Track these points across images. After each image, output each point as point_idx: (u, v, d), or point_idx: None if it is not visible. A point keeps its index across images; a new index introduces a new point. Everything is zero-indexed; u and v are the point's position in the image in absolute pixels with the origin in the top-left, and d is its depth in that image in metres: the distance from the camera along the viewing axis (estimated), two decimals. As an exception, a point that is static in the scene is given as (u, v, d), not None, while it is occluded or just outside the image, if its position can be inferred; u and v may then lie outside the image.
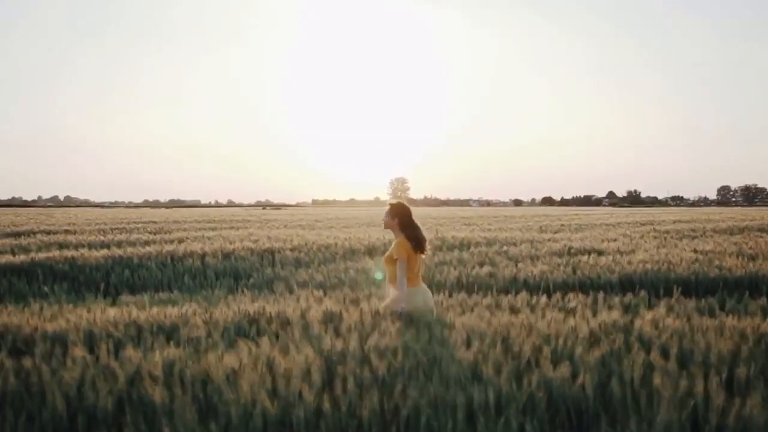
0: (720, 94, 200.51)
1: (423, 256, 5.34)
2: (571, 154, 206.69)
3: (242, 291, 8.70)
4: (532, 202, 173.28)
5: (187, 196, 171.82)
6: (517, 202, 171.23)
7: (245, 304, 6.43)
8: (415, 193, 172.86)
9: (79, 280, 10.08)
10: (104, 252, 11.75)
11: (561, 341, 4.45)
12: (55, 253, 11.57)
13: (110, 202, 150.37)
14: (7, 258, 11.28)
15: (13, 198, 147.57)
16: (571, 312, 5.67)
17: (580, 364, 3.93)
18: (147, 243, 14.31)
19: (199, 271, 10.43)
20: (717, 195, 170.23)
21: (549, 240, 14.23)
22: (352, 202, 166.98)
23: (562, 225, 22.59)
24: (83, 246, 13.68)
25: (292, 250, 12.24)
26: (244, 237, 15.37)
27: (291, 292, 8.43)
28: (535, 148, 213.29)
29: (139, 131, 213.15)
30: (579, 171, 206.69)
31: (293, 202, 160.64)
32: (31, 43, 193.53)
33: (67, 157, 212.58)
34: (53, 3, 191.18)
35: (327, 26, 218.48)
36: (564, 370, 3.80)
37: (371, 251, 12.34)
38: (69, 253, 11.55)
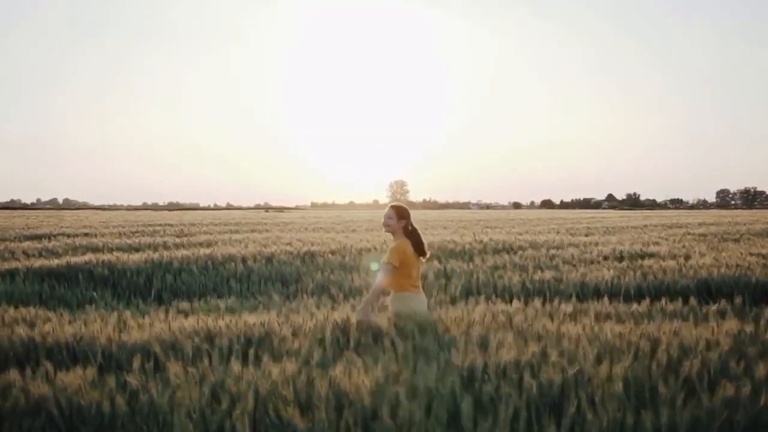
0: (719, 96, 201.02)
1: (423, 260, 5.24)
2: (569, 156, 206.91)
3: (302, 296, 8.29)
4: (531, 205, 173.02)
5: (186, 199, 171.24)
6: (517, 205, 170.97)
7: (327, 312, 6.01)
8: (414, 195, 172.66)
9: (122, 284, 9.65)
10: (140, 256, 11.31)
11: (714, 354, 4.04)
12: (91, 256, 11.13)
13: (109, 205, 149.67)
14: (41, 262, 10.85)
15: (12, 200, 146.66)
16: (697, 321, 5.26)
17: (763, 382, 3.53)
18: (177, 246, 13.88)
19: (243, 276, 10.01)
20: (716, 198, 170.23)
21: (591, 243, 13.83)
22: (351, 205, 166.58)
23: (589, 228, 22.20)
24: (114, 249, 13.26)
25: (332, 253, 11.82)
26: (274, 240, 14.93)
27: (353, 297, 8.02)
28: (533, 151, 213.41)
29: (136, 133, 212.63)
30: (577, 174, 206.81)
31: (292, 205, 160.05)
32: (30, 43, 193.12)
33: (64, 160, 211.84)
34: (53, 4, 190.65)
35: (326, 28, 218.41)
36: (744, 389, 3.41)
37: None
38: (104, 256, 11.13)
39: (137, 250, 13.45)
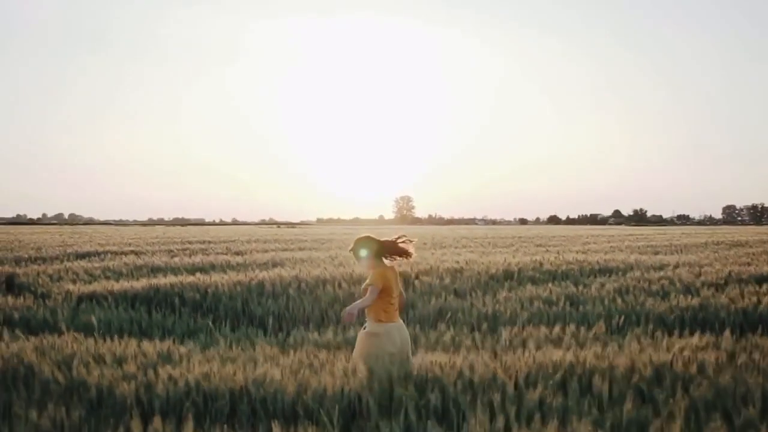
0: (726, 112, 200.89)
1: (402, 290, 5.11)
2: (574, 172, 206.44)
3: (437, 326, 7.49)
4: (537, 221, 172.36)
5: (191, 214, 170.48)
6: (523, 221, 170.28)
7: (533, 350, 5.21)
8: (420, 211, 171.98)
9: (219, 310, 8.87)
10: (220, 277, 10.54)
11: None
12: (173, 278, 10.38)
13: (115, 220, 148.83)
14: (120, 285, 10.07)
15: (18, 215, 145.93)
16: None
17: None
18: (242, 266, 13.10)
19: (348, 300, 9.20)
20: (722, 214, 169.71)
21: (683, 263, 13.03)
22: (356, 221, 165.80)
23: (649, 246, 21.43)
24: (180, 270, 12.49)
25: (425, 273, 11.05)
26: (343, 260, 14.13)
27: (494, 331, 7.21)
28: (538, 167, 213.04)
29: (138, 149, 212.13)
30: (582, 190, 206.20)
31: (297, 221, 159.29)
32: (30, 58, 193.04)
33: (68, 175, 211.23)
34: (55, 21, 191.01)
35: (330, 43, 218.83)
36: None
37: (508, 276, 11.14)
38: (186, 278, 10.37)
39: (202, 270, 12.68)
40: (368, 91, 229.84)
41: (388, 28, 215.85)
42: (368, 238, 5.02)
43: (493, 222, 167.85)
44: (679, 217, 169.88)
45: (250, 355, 5.53)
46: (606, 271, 11.83)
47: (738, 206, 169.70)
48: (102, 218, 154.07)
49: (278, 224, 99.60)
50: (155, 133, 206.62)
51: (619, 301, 8.47)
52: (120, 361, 5.22)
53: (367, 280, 4.93)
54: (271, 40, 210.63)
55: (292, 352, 5.64)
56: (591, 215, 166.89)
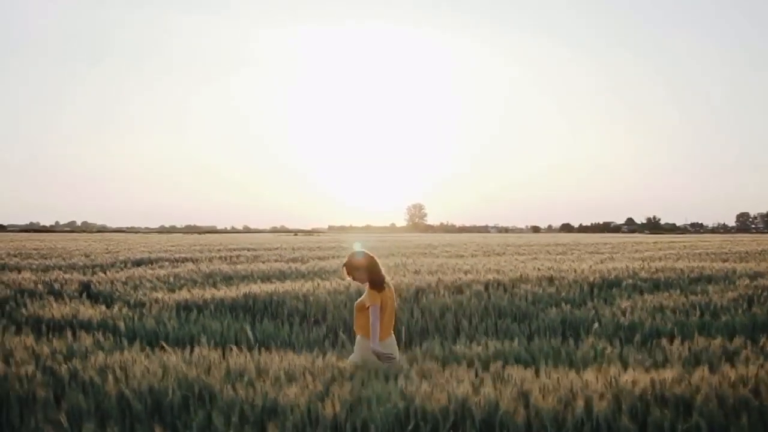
0: (739, 119, 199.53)
1: (395, 305, 5.25)
2: (586, 180, 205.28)
3: (568, 339, 6.97)
4: (549, 229, 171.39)
5: (202, 222, 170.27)
6: (535, 229, 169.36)
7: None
8: (432, 219, 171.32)
9: (327, 321, 8.39)
10: (312, 285, 10.04)
11: None
12: (269, 286, 9.90)
13: (127, 227, 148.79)
14: (212, 293, 9.59)
15: (31, 223, 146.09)
16: None
17: None
18: (311, 274, 12.60)
19: (458, 311, 8.72)
20: (736, 222, 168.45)
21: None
22: (368, 228, 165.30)
23: (708, 253, 20.82)
24: (254, 278, 12.01)
25: (522, 281, 10.57)
26: (436, 267, 13.59)
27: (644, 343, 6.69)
28: (550, 175, 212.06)
29: (148, 157, 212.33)
30: (594, 197, 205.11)
31: (308, 228, 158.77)
32: (35, 66, 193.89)
33: (80, 183, 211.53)
34: (64, 31, 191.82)
35: (339, 53, 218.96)
36: None
37: (611, 284, 10.60)
38: (283, 286, 9.89)
39: (274, 277, 12.22)
40: (378, 99, 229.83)
41: (397, 37, 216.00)
42: (366, 254, 5.12)
43: (506, 230, 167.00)
44: (693, 224, 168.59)
45: (423, 370, 5.02)
46: (707, 279, 11.28)
47: (752, 214, 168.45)
48: (114, 225, 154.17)
49: (295, 232, 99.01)
50: (164, 141, 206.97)
51: (757, 311, 7.93)
52: (290, 378, 4.72)
53: (363, 298, 5.07)
54: (280, 48, 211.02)
55: (465, 366, 5.14)
56: (604, 223, 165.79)
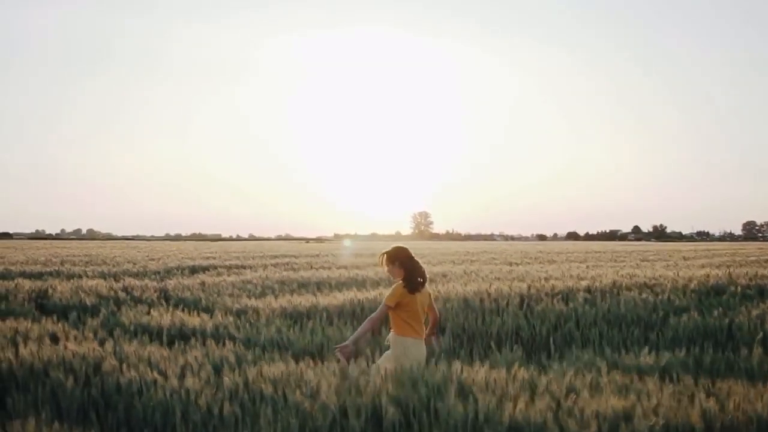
0: (745, 127, 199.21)
1: (434, 305, 5.18)
2: (591, 188, 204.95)
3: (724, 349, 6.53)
4: (555, 237, 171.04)
5: (206, 230, 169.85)
6: (541, 237, 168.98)
7: None
8: (438, 227, 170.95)
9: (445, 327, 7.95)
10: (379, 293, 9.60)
11: None
12: (375, 292, 9.49)
13: (132, 236, 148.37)
14: (321, 299, 9.16)
15: (37, 231, 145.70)
16: None
17: None
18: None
19: (562, 319, 8.26)
20: (742, 230, 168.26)
21: None
22: (373, 236, 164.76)
23: (747, 260, 20.39)
24: (330, 286, 11.58)
25: (630, 288, 10.11)
26: (493, 273, 13.20)
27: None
28: (554, 183, 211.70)
29: (152, 166, 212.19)
30: (599, 205, 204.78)
31: (314, 236, 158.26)
32: (38, 73, 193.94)
33: (82, 192, 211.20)
34: (71, 38, 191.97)
35: (343, 60, 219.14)
36: None
37: (718, 291, 10.17)
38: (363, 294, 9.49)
39: (353, 285, 11.79)
40: (382, 107, 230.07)
41: (402, 44, 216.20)
42: (401, 248, 5.04)
43: (511, 238, 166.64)
44: (699, 233, 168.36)
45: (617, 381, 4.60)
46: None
47: (758, 222, 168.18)
48: (119, 234, 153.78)
49: (306, 239, 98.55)
50: (168, 149, 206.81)
51: None
52: (495, 390, 4.29)
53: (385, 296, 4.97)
54: (283, 56, 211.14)
55: (656, 379, 4.71)
56: (610, 231, 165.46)
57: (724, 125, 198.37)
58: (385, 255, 5.06)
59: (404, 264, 4.96)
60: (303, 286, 11.60)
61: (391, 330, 5.01)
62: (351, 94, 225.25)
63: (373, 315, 4.98)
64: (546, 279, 11.64)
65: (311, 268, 16.00)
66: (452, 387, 4.38)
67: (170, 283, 11.38)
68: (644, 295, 9.47)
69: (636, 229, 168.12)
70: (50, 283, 11.38)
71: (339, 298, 9.14)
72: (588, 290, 9.86)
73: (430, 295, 5.16)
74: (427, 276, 5.13)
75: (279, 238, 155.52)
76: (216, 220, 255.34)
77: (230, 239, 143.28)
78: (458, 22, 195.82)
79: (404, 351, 4.88)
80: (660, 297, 9.33)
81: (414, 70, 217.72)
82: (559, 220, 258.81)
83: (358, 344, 5.08)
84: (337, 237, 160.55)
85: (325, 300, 9.06)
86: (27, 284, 10.86)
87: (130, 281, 11.53)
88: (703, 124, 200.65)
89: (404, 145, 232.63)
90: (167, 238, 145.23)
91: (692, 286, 10.34)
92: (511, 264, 18.84)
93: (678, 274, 11.86)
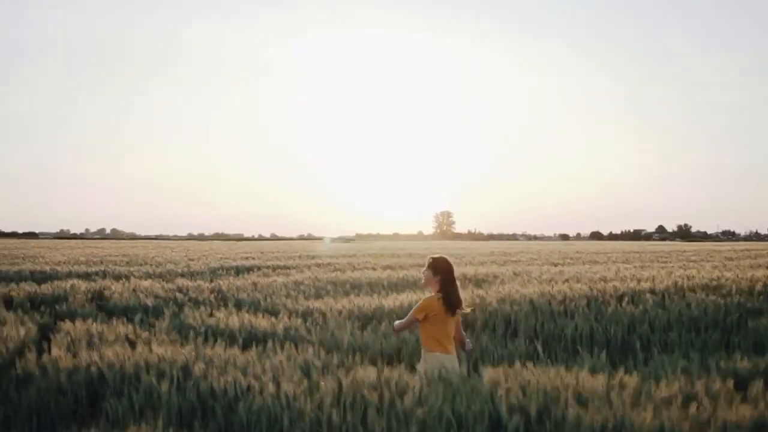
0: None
1: (458, 318, 5.03)
2: (613, 187, 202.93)
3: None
4: (578, 237, 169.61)
5: (229, 230, 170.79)
6: (564, 237, 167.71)
7: None
8: (459, 227, 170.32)
9: (508, 333, 7.79)
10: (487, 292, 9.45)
11: None
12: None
13: (155, 235, 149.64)
14: (385, 301, 9.04)
15: (62, 231, 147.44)
16: None
17: None
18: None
19: (635, 322, 8.03)
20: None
21: None
22: (395, 236, 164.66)
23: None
24: (383, 288, 11.43)
25: (704, 289, 9.88)
26: (543, 275, 12.96)
27: None
28: (576, 182, 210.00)
29: (174, 166, 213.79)
30: (622, 205, 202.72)
31: (336, 236, 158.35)
32: (51, 74, 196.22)
33: (105, 192, 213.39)
34: (92, 38, 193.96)
35: (362, 60, 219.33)
36: None
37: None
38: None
39: (403, 287, 11.65)
40: (404, 107, 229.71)
41: (421, 45, 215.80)
42: (448, 263, 4.95)
43: (534, 238, 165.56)
44: (725, 232, 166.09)
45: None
46: None
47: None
48: (143, 233, 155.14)
49: (332, 239, 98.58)
50: (189, 149, 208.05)
51: None
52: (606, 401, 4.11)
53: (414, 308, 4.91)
54: (302, 56, 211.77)
55: None
56: (634, 231, 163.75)
57: (749, 123, 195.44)
58: (432, 260, 5.01)
59: (444, 280, 4.91)
60: (355, 287, 11.46)
61: (423, 345, 4.96)
62: (371, 94, 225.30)
63: (401, 322, 4.98)
64: (604, 280, 11.40)
65: (354, 269, 15.85)
66: (567, 393, 4.23)
67: (223, 284, 11.31)
68: (712, 297, 9.22)
69: (660, 229, 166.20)
70: (102, 283, 11.38)
71: (401, 299, 8.99)
72: (652, 292, 9.63)
73: (459, 315, 5.06)
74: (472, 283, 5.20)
75: (300, 238, 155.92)
76: (237, 220, 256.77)
77: (253, 239, 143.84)
78: (477, 22, 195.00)
79: (431, 366, 4.75)
80: (728, 299, 9.07)
81: (435, 70, 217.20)
82: (580, 220, 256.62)
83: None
84: (359, 237, 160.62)
85: (388, 302, 8.91)
86: (83, 285, 10.84)
87: (182, 282, 11.48)
88: (728, 123, 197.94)
89: (425, 145, 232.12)
90: (190, 237, 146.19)
91: (758, 287, 10.06)
92: (554, 264, 18.57)
93: (738, 276, 11.55)
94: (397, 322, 5.12)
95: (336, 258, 21.67)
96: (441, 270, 4.95)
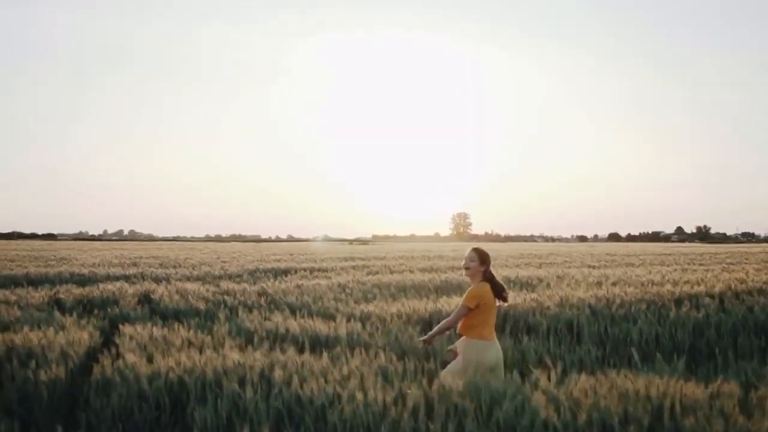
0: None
1: (503, 304, 5.07)
2: (631, 188, 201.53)
3: None
4: (596, 238, 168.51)
5: (246, 231, 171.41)
6: (582, 238, 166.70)
7: None
8: (476, 228, 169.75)
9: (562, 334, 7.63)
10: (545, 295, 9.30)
11: None
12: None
13: (173, 237, 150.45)
14: (439, 305, 8.89)
15: (80, 232, 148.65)
16: None
17: None
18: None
19: (701, 326, 7.84)
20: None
21: None
22: (412, 237, 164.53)
23: None
24: (430, 291, 11.29)
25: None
26: (591, 278, 12.77)
27: None
28: (593, 183, 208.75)
29: (190, 168, 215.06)
30: (640, 206, 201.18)
31: (352, 237, 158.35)
32: (63, 77, 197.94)
33: (122, 194, 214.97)
34: (111, 47, 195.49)
35: (376, 63, 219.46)
36: None
37: None
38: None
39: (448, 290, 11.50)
40: (419, 110, 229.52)
41: (435, 47, 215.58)
42: (486, 252, 5.04)
43: (552, 239, 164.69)
44: (744, 234, 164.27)
45: None
46: None
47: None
48: (160, 235, 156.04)
49: (350, 241, 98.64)
50: (205, 152, 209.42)
51: None
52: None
53: (463, 299, 4.93)
54: (316, 58, 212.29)
55: None
56: (653, 232, 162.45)
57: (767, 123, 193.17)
58: (478, 251, 5.05)
59: (488, 271, 5.00)
60: (401, 290, 11.33)
61: (462, 335, 4.96)
62: (385, 96, 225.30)
63: (452, 317, 4.94)
64: (653, 284, 11.20)
65: (392, 271, 15.72)
66: (670, 402, 4.08)
67: (268, 287, 11.22)
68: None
69: (679, 230, 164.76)
70: (146, 286, 11.34)
71: (453, 303, 8.86)
72: (710, 296, 9.44)
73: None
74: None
75: (317, 239, 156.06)
76: (253, 222, 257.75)
77: (269, 240, 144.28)
78: (490, 26, 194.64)
79: (477, 354, 4.82)
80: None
81: (449, 73, 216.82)
82: (597, 221, 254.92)
83: (434, 341, 5.19)
84: (376, 238, 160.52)
85: (442, 305, 8.77)
86: (129, 288, 10.80)
87: (227, 285, 11.41)
88: (745, 123, 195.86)
89: (441, 147, 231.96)
90: (208, 239, 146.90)
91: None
92: (591, 267, 18.36)
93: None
94: (444, 322, 5.04)
95: (368, 260, 21.55)
96: (487, 261, 5.04)
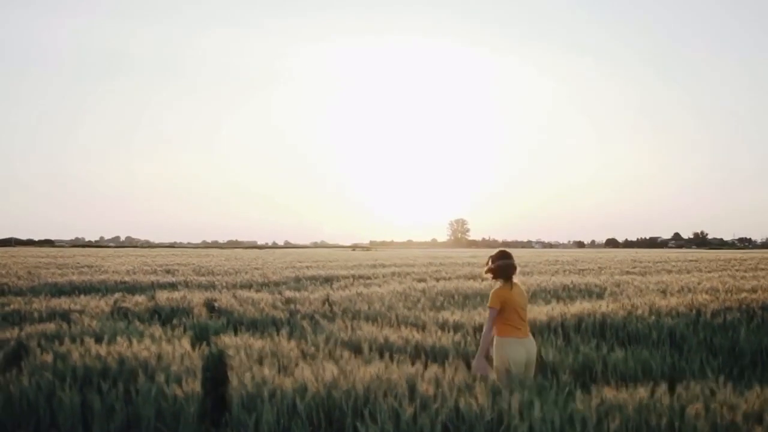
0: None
1: (527, 303, 5.07)
2: (629, 194, 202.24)
3: None
4: (593, 244, 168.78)
5: (242, 237, 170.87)
6: (579, 244, 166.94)
7: None
8: (474, 234, 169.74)
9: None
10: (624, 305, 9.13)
11: None
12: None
13: (170, 243, 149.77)
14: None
15: (77, 238, 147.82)
16: None
17: None
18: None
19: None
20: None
21: None
22: (409, 243, 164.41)
23: None
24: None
25: None
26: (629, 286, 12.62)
27: None
28: (590, 190, 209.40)
29: (186, 174, 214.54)
30: (637, 212, 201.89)
31: (348, 243, 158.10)
32: (60, 84, 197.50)
33: (119, 201, 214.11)
34: (108, 52, 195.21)
35: (378, 68, 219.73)
36: None
37: None
38: (579, 307, 9.01)
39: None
40: (418, 116, 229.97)
41: (436, 53, 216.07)
42: (502, 252, 5.01)
43: (549, 245, 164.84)
44: (741, 239, 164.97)
45: None
46: None
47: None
48: (156, 241, 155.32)
49: (353, 247, 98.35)
50: (201, 158, 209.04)
51: None
52: None
53: (488, 302, 4.94)
54: (317, 63, 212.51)
55: None
56: (650, 238, 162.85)
57: (765, 130, 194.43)
58: (506, 253, 5.01)
59: (501, 268, 4.97)
60: (468, 297, 11.15)
61: (498, 334, 4.93)
62: (386, 102, 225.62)
63: (486, 327, 4.88)
64: (724, 291, 11.08)
65: (436, 279, 15.50)
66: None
67: (333, 296, 11.02)
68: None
69: (677, 236, 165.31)
70: (208, 295, 11.13)
71: (544, 312, 8.69)
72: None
73: (526, 296, 5.13)
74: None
75: (315, 246, 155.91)
76: (250, 228, 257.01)
77: (266, 246, 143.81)
78: (493, 33, 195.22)
79: (507, 351, 4.80)
80: None
81: (449, 79, 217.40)
82: (595, 227, 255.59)
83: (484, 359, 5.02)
84: (374, 244, 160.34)
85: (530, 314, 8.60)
86: (197, 296, 10.59)
87: (290, 294, 11.21)
88: (743, 129, 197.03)
89: (439, 154, 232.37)
90: (205, 245, 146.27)
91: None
92: (627, 273, 18.24)
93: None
94: (483, 334, 4.93)
95: (399, 267, 21.37)
96: (496, 259, 5.03)
